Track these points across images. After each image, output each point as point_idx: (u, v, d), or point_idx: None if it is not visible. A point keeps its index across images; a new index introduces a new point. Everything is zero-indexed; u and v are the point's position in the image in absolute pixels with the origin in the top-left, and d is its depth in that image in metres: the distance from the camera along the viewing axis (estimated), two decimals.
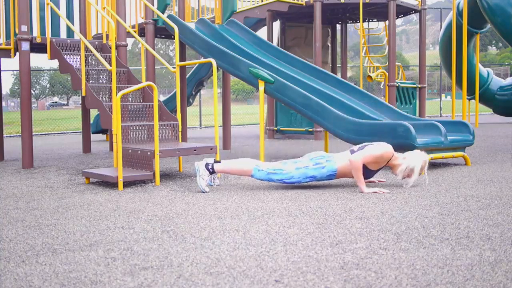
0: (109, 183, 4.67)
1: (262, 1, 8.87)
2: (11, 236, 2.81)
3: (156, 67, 9.18)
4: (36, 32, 6.19)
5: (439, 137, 5.08)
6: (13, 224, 3.12)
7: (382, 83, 11.99)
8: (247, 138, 10.51)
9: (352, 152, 4.11)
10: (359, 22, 10.65)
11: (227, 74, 8.36)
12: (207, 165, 4.19)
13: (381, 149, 4.03)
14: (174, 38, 6.58)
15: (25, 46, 5.96)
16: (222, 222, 3.04)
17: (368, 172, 4.09)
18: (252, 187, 4.30)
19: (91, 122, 10.25)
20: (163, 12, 7.50)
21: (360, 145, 4.16)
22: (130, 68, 6.23)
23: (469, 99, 12.77)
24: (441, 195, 3.75)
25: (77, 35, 5.67)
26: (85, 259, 2.34)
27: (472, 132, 5.40)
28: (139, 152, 4.68)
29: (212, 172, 4.19)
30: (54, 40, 6.01)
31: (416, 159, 4.03)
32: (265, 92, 5.83)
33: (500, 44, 60.28)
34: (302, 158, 4.24)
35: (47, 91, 61.12)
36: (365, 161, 3.99)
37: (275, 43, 10.72)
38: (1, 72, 7.18)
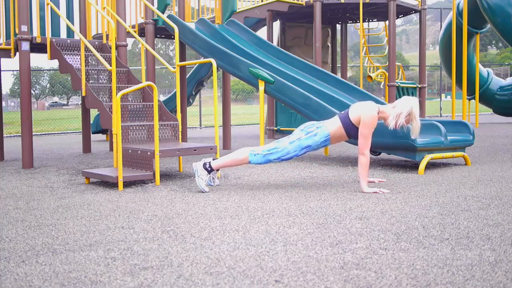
0: (109, 183, 4.67)
1: (262, 1, 8.87)
2: (11, 236, 2.81)
3: (156, 67, 9.18)
4: (36, 32, 6.19)
5: (439, 137, 5.08)
6: (13, 224, 3.12)
7: (382, 83, 11.99)
8: (247, 138, 10.51)
9: (340, 116, 4.14)
10: (359, 22, 10.65)
11: (227, 74, 8.36)
12: (204, 164, 4.19)
13: (367, 117, 3.98)
14: (174, 38, 6.59)
15: (25, 46, 5.96)
16: (222, 222, 3.04)
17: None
18: (252, 187, 4.30)
19: (91, 122, 10.26)
20: (163, 12, 7.50)
21: (345, 111, 4.18)
22: (130, 68, 6.23)
23: (469, 99, 12.77)
24: (441, 195, 3.75)
25: (77, 35, 5.67)
26: (85, 259, 2.34)
27: (472, 132, 5.40)
28: (139, 152, 4.68)
29: (210, 170, 4.19)
30: (54, 40, 6.01)
31: (404, 104, 4.01)
32: (265, 92, 5.83)
33: (500, 44, 60.28)
34: (294, 131, 4.25)
35: (47, 91, 61.11)
36: (370, 140, 3.99)
37: (275, 43, 10.71)
38: (1, 72, 7.18)
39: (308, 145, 4.12)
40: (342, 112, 4.21)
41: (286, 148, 4.12)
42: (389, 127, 4.05)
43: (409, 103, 4.01)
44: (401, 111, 3.99)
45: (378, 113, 4.04)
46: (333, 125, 4.14)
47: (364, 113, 4.01)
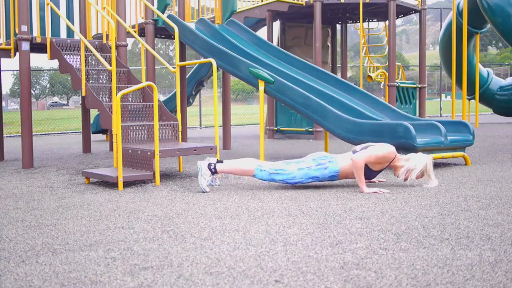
0: (109, 183, 4.67)
1: (262, 1, 8.87)
2: (11, 236, 2.81)
3: (156, 67, 9.18)
4: (36, 32, 6.19)
5: (439, 137, 5.08)
6: (13, 224, 3.12)
7: (382, 83, 11.99)
8: (247, 138, 10.51)
9: (354, 152, 4.11)
10: (359, 22, 10.65)
11: (227, 74, 8.36)
12: (209, 165, 4.18)
13: (384, 149, 4.03)
14: (174, 38, 6.59)
15: (25, 46, 5.96)
16: (222, 222, 3.04)
17: (370, 173, 4.08)
18: (252, 187, 4.30)
19: (91, 122, 10.26)
20: (163, 12, 7.50)
21: (363, 145, 4.15)
22: (130, 68, 6.23)
23: (469, 99, 12.77)
24: (441, 195, 3.75)
25: (77, 35, 5.67)
26: (85, 259, 2.34)
27: (472, 132, 5.40)
28: (139, 152, 4.68)
29: (214, 172, 4.19)
30: (54, 40, 6.01)
31: (418, 160, 4.02)
32: (265, 92, 5.83)
33: (500, 44, 60.28)
34: (304, 158, 4.24)
35: (47, 91, 61.11)
36: (367, 161, 3.98)
37: (275, 43, 10.71)
38: (1, 72, 7.18)
39: (315, 176, 4.12)
40: (358, 148, 4.17)
41: (293, 172, 4.11)
42: (398, 178, 4.09)
43: (424, 160, 4.02)
44: (414, 167, 4.00)
45: (394, 157, 4.05)
46: (345, 161, 4.11)
47: (384, 147, 4.04)
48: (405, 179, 4.06)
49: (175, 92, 7.46)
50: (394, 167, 4.11)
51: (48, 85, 60.47)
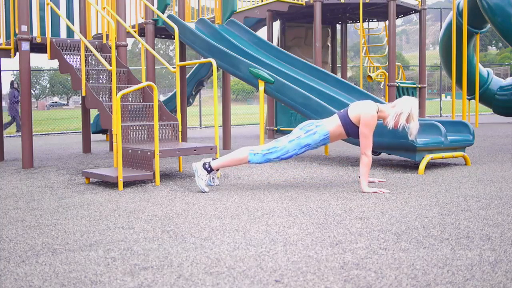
0: (109, 183, 4.67)
1: (262, 1, 8.87)
2: (11, 236, 2.81)
3: (156, 67, 9.18)
4: (36, 32, 6.19)
5: (439, 137, 5.08)
6: (13, 224, 3.12)
7: (382, 83, 11.99)
8: (247, 138, 10.51)
9: (339, 114, 4.15)
10: (359, 22, 10.65)
11: (227, 74, 8.36)
12: (204, 164, 4.19)
13: (368, 114, 3.98)
14: (174, 38, 6.59)
15: (25, 46, 5.96)
16: (222, 222, 3.04)
17: None
18: (252, 187, 4.30)
19: (91, 122, 10.25)
20: (163, 12, 7.50)
21: (344, 109, 4.19)
22: (130, 68, 6.23)
23: (469, 99, 12.77)
24: (441, 195, 3.75)
25: (77, 35, 5.67)
26: (85, 259, 2.34)
27: (472, 132, 5.40)
28: (139, 152, 4.68)
29: (210, 171, 4.19)
30: (54, 40, 6.01)
31: (404, 104, 4.01)
32: (265, 92, 5.83)
33: (500, 44, 60.28)
34: (293, 130, 4.25)
35: (47, 91, 61.10)
36: (371, 139, 3.99)
37: (275, 43, 10.71)
38: (1, 72, 7.18)
39: (307, 144, 4.13)
40: (342, 111, 4.21)
41: (285, 147, 4.12)
42: (388, 126, 4.05)
43: (410, 103, 4.01)
44: (401, 111, 3.98)
45: (377, 112, 4.04)
46: (332, 123, 4.14)
47: (363, 112, 4.01)
48: (395, 126, 4.01)
49: (175, 92, 7.46)
50: (382, 118, 4.10)
51: (48, 85, 60.44)
